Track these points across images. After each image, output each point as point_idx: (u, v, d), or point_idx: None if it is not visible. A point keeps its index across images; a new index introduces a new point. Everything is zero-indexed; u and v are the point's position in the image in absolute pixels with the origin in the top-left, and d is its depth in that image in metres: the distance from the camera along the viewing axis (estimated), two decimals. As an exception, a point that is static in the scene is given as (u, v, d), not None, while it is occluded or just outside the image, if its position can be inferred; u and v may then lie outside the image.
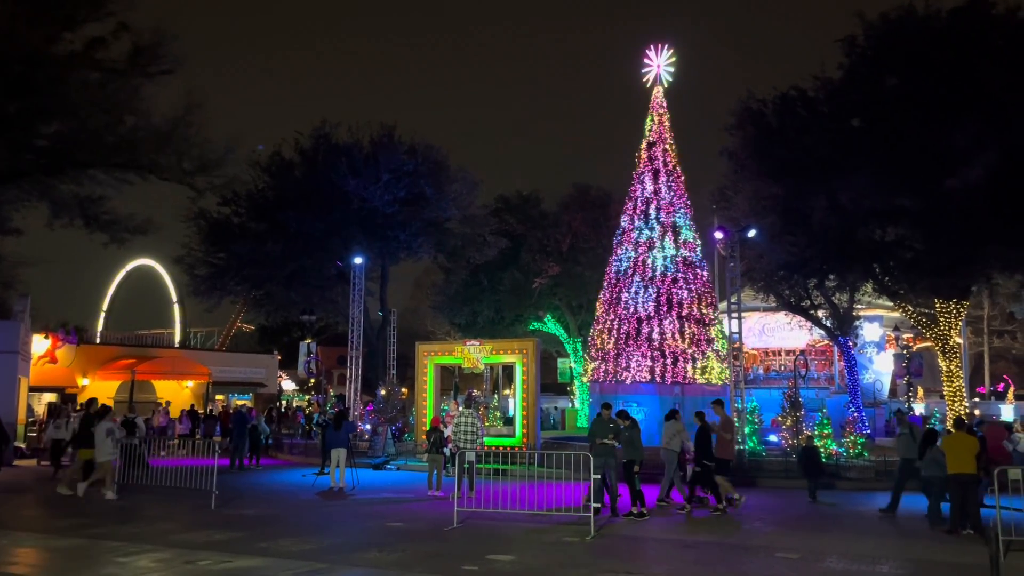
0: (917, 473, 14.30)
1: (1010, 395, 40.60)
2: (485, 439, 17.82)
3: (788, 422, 21.02)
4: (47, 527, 12.05)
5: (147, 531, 11.80)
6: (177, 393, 34.86)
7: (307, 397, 48.55)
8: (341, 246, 31.09)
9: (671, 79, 29.25)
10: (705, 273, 27.76)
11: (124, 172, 24.25)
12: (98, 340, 39.99)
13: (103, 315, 50.44)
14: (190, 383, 35.75)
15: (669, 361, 25.91)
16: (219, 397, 38.53)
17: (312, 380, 46.61)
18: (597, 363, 27.74)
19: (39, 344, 30.51)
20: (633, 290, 27.11)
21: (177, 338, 47.49)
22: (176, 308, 50.23)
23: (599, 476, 13.16)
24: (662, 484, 15.15)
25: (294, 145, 32.88)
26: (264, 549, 10.42)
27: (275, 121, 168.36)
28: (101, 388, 31.95)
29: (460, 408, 17.19)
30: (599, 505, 12.93)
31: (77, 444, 16.57)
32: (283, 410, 38.01)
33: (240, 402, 32.57)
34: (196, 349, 42.54)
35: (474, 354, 23.22)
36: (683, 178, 28.51)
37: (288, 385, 53.71)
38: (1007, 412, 34.98)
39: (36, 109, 22.17)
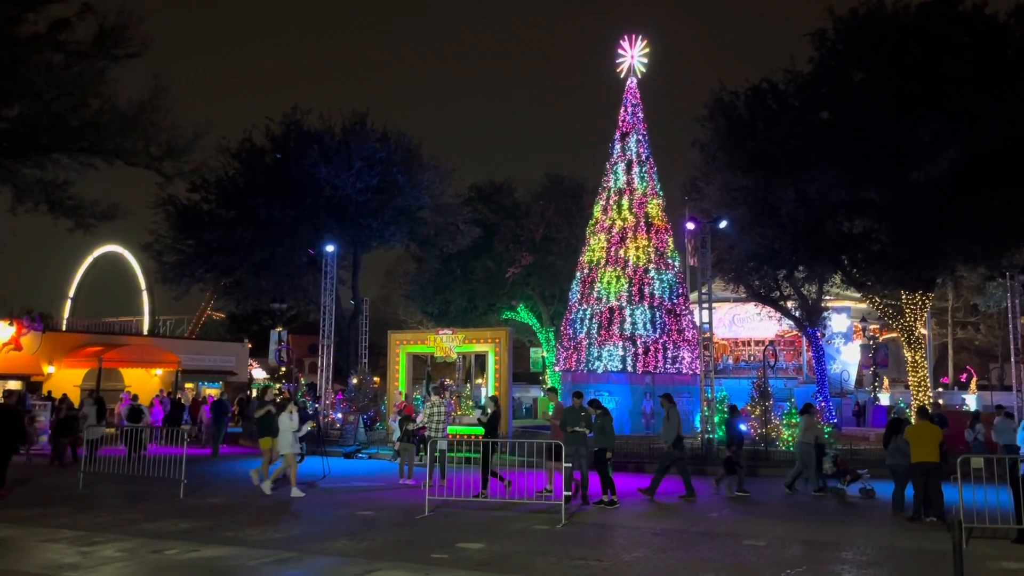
0: (673, 457, 14.45)
1: (973, 385, 41.46)
2: (458, 428, 17.87)
3: (757, 411, 21.27)
4: (8, 517, 11.85)
5: (112, 520, 11.66)
6: (146, 381, 34.42)
7: (278, 386, 48.14)
8: (312, 234, 30.82)
9: (644, 70, 29.35)
10: (676, 264, 27.97)
11: (89, 156, 23.79)
12: (64, 327, 39.28)
13: (69, 302, 49.49)
14: (159, 371, 35.33)
15: (640, 351, 26.10)
16: (188, 385, 38.11)
17: (283, 369, 46.19)
18: (569, 352, 27.85)
19: (3, 331, 30.00)
20: (605, 280, 27.24)
21: (146, 326, 46.78)
22: (144, 295, 49.46)
23: (570, 464, 13.25)
24: (810, 478, 15.55)
25: (265, 131, 32.51)
26: (231, 538, 10.34)
27: (246, 107, 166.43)
28: (67, 376, 31.47)
29: (432, 397, 17.20)
30: (569, 493, 13.02)
31: (260, 432, 15.86)
32: (250, 398, 37.68)
33: (255, 392, 31.97)
34: (165, 337, 42.01)
35: (446, 343, 23.18)
36: (656, 169, 28.68)
37: (259, 373, 53.24)
38: (970, 402, 35.72)
39: (-3, 91, 21.68)
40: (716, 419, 21.09)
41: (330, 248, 28.37)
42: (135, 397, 23.54)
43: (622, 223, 27.62)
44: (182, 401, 29.39)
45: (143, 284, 48.65)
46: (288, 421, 14.65)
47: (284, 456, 14.70)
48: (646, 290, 26.73)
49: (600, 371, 26.27)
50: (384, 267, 55.54)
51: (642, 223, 27.49)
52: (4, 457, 14.26)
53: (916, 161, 21.92)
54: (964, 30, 21.89)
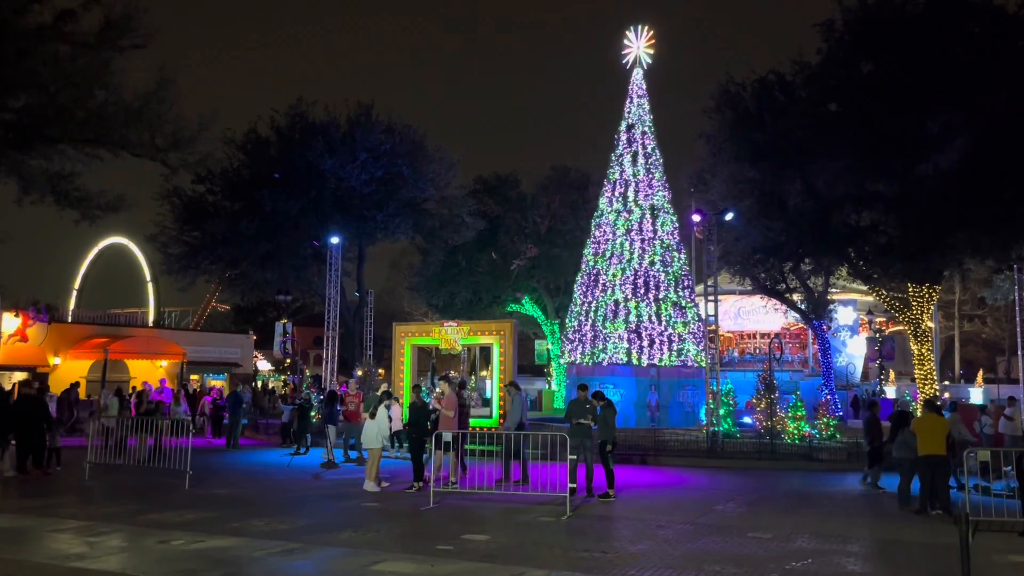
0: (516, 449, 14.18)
1: (979, 378, 41.35)
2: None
3: (762, 404, 21.20)
4: (16, 507, 11.89)
5: (118, 511, 11.67)
6: (151, 373, 34.46)
7: (283, 378, 48.27)
8: (317, 225, 30.82)
9: (650, 61, 29.24)
10: (682, 256, 27.90)
11: (95, 148, 23.80)
12: (70, 319, 39.34)
13: (75, 293, 49.61)
14: (164, 363, 35.36)
15: (645, 343, 26.07)
16: (193, 377, 38.15)
17: (288, 360, 46.29)
18: (574, 345, 27.84)
19: (9, 322, 30.02)
20: (611, 272, 27.20)
21: (151, 317, 46.85)
22: (150, 287, 49.56)
23: (575, 456, 13.22)
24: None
25: (270, 123, 32.49)
26: (237, 529, 10.35)
27: (251, 98, 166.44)
28: (73, 367, 31.52)
29: (438, 390, 17.17)
30: (574, 485, 12.99)
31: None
32: (258, 390, 37.76)
33: (279, 383, 31.85)
34: (170, 328, 42.05)
35: (451, 335, 23.15)
36: (661, 161, 28.59)
37: (264, 365, 53.36)
38: (976, 395, 35.61)
39: (3, 82, 21.64)
40: (722, 412, 21.03)
41: (335, 240, 28.34)
42: (118, 390, 23.49)
43: (627, 215, 27.57)
44: (197, 394, 29.33)
45: (148, 276, 48.72)
46: (386, 415, 14.36)
47: (369, 450, 14.38)
48: (651, 282, 26.69)
49: (605, 363, 26.25)
50: (389, 259, 55.65)
51: (647, 215, 27.43)
52: (31, 442, 15.05)
53: (925, 153, 21.82)
54: (973, 21, 21.75)
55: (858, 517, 12.19)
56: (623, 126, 28.82)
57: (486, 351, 25.53)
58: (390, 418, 14.90)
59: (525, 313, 43.20)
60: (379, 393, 15.60)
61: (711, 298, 21.96)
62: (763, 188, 24.41)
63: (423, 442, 14.20)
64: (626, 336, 26.18)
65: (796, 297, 30.99)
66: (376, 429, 14.29)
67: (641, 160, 28.05)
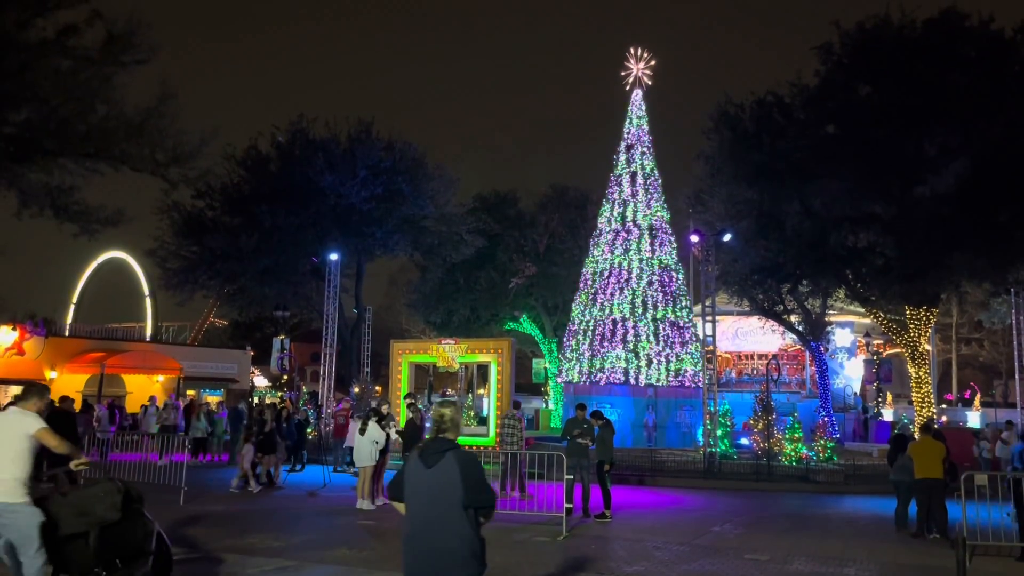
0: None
1: (976, 402, 41.28)
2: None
3: (760, 425, 21.16)
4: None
5: (112, 527, 11.58)
6: (147, 387, 34.39)
7: (279, 394, 48.11)
8: (316, 242, 30.83)
9: (650, 83, 29.44)
10: (680, 276, 27.93)
11: (95, 162, 23.84)
12: (67, 333, 39.26)
13: (72, 307, 49.56)
14: (160, 377, 35.28)
15: (643, 363, 26.04)
16: (190, 392, 38.03)
17: (285, 377, 46.15)
18: (572, 363, 27.80)
19: (6, 336, 29.97)
20: (609, 292, 27.22)
21: (148, 332, 46.76)
22: (148, 301, 49.50)
23: (572, 476, 13.17)
24: None
25: (271, 139, 32.60)
26: (231, 546, 10.28)
27: (252, 114, 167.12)
28: (70, 381, 31.42)
29: (510, 410, 17.13)
30: (571, 505, 12.94)
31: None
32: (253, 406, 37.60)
33: (272, 399, 31.50)
34: (167, 343, 41.96)
35: (449, 353, 23.14)
36: (660, 180, 28.69)
37: (261, 381, 53.20)
38: (973, 418, 35.53)
39: (5, 96, 21.73)
40: (719, 433, 20.97)
41: (334, 256, 28.35)
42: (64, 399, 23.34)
43: (626, 234, 27.62)
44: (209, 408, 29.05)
45: (146, 290, 48.68)
46: (376, 431, 14.20)
47: (361, 468, 14.17)
48: (649, 302, 26.70)
49: (603, 383, 26.21)
50: (387, 276, 55.64)
51: (646, 235, 27.49)
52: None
53: (922, 175, 21.92)
54: (970, 45, 21.93)
55: (855, 539, 12.14)
56: (622, 146, 28.95)
57: (484, 369, 25.51)
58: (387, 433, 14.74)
59: (523, 331, 43.17)
60: (383, 410, 15.39)
61: (709, 318, 21.97)
62: (761, 209, 24.48)
63: None
64: (624, 356, 26.16)
65: (794, 318, 30.97)
66: (370, 446, 14.17)
67: (640, 180, 28.15)
